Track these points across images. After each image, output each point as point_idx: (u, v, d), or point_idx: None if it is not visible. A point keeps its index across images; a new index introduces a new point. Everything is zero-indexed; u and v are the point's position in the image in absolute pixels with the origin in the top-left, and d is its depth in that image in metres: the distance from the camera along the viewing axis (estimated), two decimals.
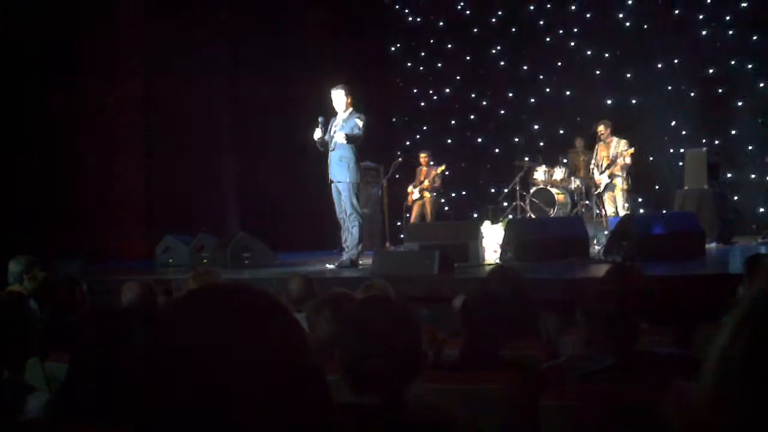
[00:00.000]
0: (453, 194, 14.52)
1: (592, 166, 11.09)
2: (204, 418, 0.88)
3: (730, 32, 12.40)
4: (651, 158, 12.40)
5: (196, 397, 0.89)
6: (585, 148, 12.15)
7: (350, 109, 8.22)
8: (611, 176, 10.71)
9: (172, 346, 0.93)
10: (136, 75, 11.53)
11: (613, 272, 4.07)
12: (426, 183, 12.39)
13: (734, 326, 1.07)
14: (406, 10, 15.19)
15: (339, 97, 8.21)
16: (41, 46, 10.06)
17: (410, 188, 12.59)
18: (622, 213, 10.27)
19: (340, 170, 8.16)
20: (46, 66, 10.10)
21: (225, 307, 0.96)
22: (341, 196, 8.23)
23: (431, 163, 12.78)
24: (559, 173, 11.99)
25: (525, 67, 14.05)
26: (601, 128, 10.79)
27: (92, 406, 2.22)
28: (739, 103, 12.28)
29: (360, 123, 8.12)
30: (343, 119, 8.20)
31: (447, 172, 12.89)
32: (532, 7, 13.93)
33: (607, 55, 13.34)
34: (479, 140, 14.58)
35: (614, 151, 10.70)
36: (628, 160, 10.62)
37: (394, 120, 15.17)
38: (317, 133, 8.20)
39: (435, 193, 12.59)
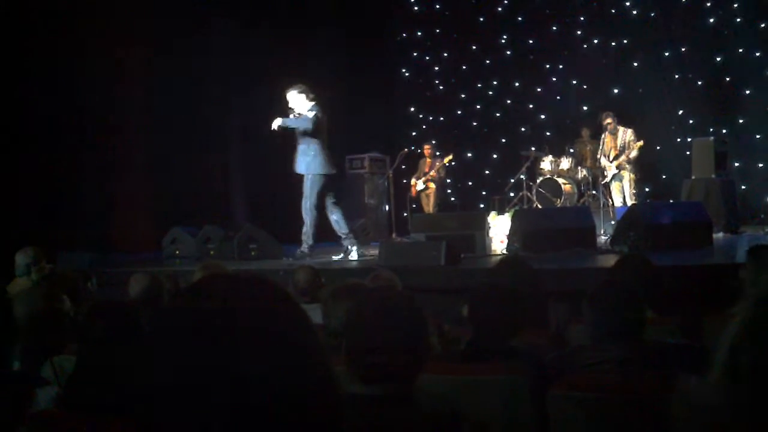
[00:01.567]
0: (459, 185, 14.51)
1: (599, 155, 11.05)
2: (208, 412, 0.88)
3: (738, 20, 12.33)
4: (658, 148, 12.36)
5: (200, 392, 0.89)
6: (591, 138, 12.12)
7: (310, 106, 8.25)
8: (619, 167, 10.68)
9: (178, 338, 0.93)
10: (142, 67, 11.52)
11: (621, 263, 4.07)
12: (432, 174, 12.38)
13: (743, 322, 1.06)
14: (412, 0, 15.15)
15: (293, 98, 8.28)
16: (48, 43, 10.06)
17: (413, 179, 12.59)
18: (629, 203, 10.24)
19: (304, 163, 8.28)
20: (52, 61, 10.10)
21: (233, 298, 0.96)
22: (305, 188, 8.32)
23: (437, 153, 12.77)
24: (565, 163, 11.96)
25: (531, 57, 14.00)
26: (608, 120, 10.76)
27: (100, 399, 2.23)
28: (747, 92, 12.22)
29: (309, 115, 8.16)
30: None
31: (453, 162, 12.88)
32: None
33: (613, 44, 13.29)
34: (485, 130, 14.54)
35: (621, 141, 10.66)
36: (635, 153, 10.58)
37: (399, 110, 15.15)
38: (277, 122, 8.18)
39: (438, 184, 12.59)
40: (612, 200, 10.93)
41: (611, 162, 10.76)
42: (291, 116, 8.22)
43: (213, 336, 0.91)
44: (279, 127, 8.15)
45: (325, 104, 8.46)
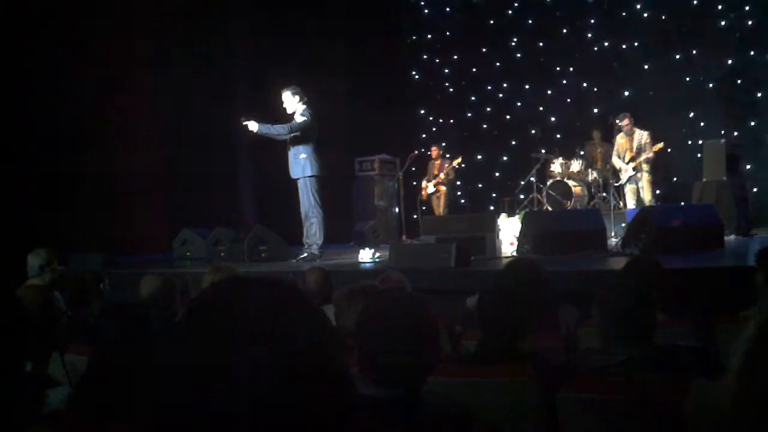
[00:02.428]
0: (469, 187, 14.50)
1: (614, 156, 10.95)
2: (221, 414, 0.88)
3: (749, 23, 12.27)
4: (669, 150, 12.31)
5: (212, 394, 0.89)
6: (602, 140, 12.08)
7: (302, 108, 8.36)
8: (635, 169, 10.62)
9: (190, 341, 0.93)
10: (155, 69, 11.57)
11: (631, 265, 4.05)
12: (441, 176, 12.38)
13: (759, 326, 1.05)
14: (422, 2, 15.15)
15: (287, 98, 8.43)
16: (51, 43, 10.11)
17: (424, 182, 12.58)
18: (647, 205, 10.16)
19: (297, 167, 8.40)
20: (61, 62, 10.15)
21: (247, 300, 0.96)
22: (303, 192, 8.41)
23: (446, 155, 12.76)
24: (576, 165, 11.92)
25: (541, 59, 13.99)
26: (626, 121, 10.67)
27: (112, 400, 2.24)
28: (759, 95, 12.16)
29: (297, 120, 8.30)
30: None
31: (463, 165, 12.87)
32: None
33: (624, 46, 13.25)
34: (495, 132, 14.53)
35: (637, 143, 10.59)
36: (651, 155, 10.52)
37: (410, 112, 15.16)
38: (253, 126, 8.33)
39: (448, 187, 12.58)
40: (625, 202, 10.86)
41: (627, 164, 10.68)
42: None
43: (226, 338, 0.91)
44: (257, 132, 8.32)
45: (316, 107, 8.56)
